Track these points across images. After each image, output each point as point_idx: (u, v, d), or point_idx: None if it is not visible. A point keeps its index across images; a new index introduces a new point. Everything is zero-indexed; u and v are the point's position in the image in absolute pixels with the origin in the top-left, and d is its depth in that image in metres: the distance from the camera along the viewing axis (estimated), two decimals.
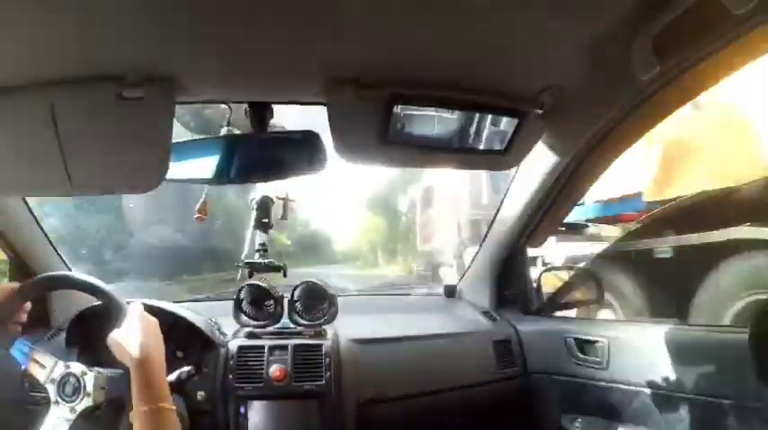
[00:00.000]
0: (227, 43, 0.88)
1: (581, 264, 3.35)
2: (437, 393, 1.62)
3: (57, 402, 1.13)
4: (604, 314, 3.03)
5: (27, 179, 1.10)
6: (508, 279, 1.95)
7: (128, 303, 1.18)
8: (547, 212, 1.65)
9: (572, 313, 1.82)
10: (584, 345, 1.58)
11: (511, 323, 1.83)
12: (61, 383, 1.15)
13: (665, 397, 1.33)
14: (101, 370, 1.18)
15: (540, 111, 1.13)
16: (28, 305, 1.19)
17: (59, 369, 1.16)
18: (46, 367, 1.17)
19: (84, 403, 1.14)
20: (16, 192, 1.44)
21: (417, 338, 1.70)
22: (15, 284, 1.17)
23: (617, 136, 1.29)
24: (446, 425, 1.68)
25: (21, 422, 1.35)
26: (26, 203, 1.61)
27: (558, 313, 1.86)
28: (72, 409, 1.13)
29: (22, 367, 1.17)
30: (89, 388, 1.15)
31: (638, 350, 1.44)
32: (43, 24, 0.79)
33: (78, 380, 1.15)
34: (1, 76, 0.93)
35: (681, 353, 1.32)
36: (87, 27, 0.81)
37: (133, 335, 1.07)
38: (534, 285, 1.91)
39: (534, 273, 1.96)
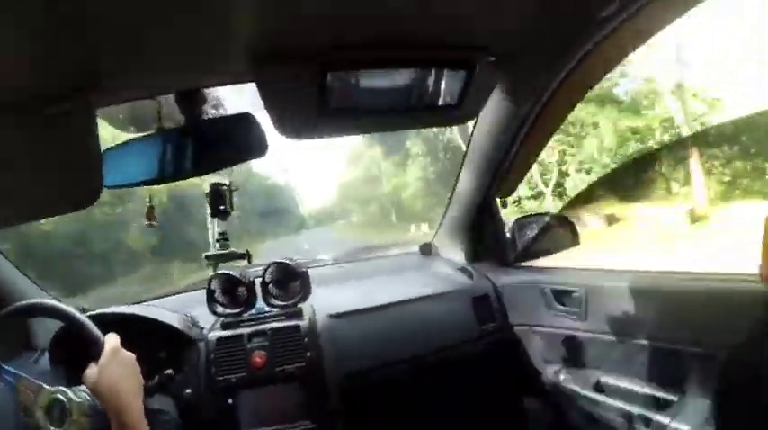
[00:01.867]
0: (140, 36, 0.81)
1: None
2: (421, 357, 1.63)
3: (45, 426, 1.11)
4: None
5: None
6: (482, 231, 1.93)
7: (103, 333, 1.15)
8: (514, 160, 1.61)
9: (550, 261, 1.79)
10: (562, 296, 1.58)
11: (488, 277, 1.83)
12: (48, 409, 1.12)
13: (643, 346, 1.33)
14: (87, 395, 1.14)
15: (492, 59, 1.06)
16: None
17: (45, 394, 1.13)
18: (33, 393, 1.14)
19: (72, 428, 1.12)
20: None
21: (395, 305, 1.70)
22: None
23: (579, 77, 1.24)
24: (432, 386, 1.70)
25: None
26: None
27: (535, 262, 1.83)
28: None
29: (16, 384, 1.15)
30: (74, 414, 1.12)
31: (616, 299, 1.42)
32: None
33: (64, 406, 1.12)
34: None
35: (657, 301, 1.32)
36: None
37: (106, 381, 1.04)
38: (509, 235, 1.87)
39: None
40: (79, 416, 1.12)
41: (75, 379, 1.20)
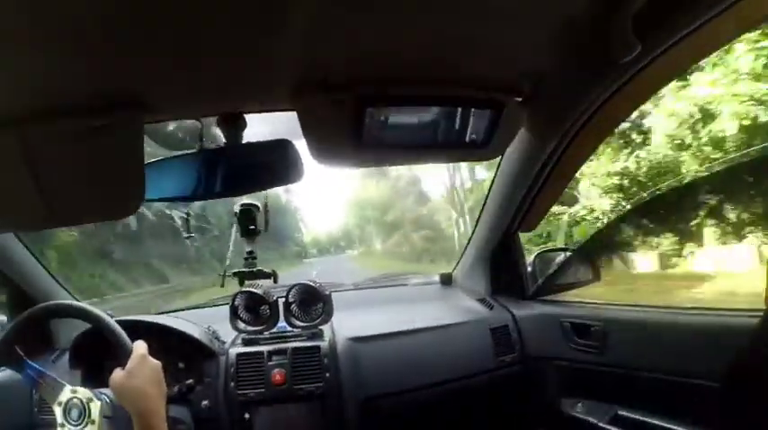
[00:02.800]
0: (190, 59, 0.86)
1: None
2: (438, 385, 1.64)
3: (63, 425, 1.13)
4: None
5: (6, 216, 1.09)
6: (503, 264, 1.94)
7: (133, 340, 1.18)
8: (536, 197, 1.64)
9: (570, 296, 1.80)
10: (581, 329, 1.58)
11: (508, 309, 1.83)
12: (67, 407, 1.14)
13: (662, 381, 1.32)
14: (107, 397, 1.18)
15: (519, 100, 1.11)
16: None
17: (66, 393, 1.15)
18: (54, 390, 1.17)
19: (89, 428, 1.15)
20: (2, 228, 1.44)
21: (415, 332, 1.71)
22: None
23: (601, 118, 1.26)
24: (449, 415, 1.69)
25: None
26: (17, 237, 1.63)
27: (555, 297, 1.84)
28: None
29: (32, 390, 1.19)
30: (94, 415, 1.14)
31: (634, 333, 1.43)
32: (6, 60, 0.78)
33: (84, 406, 1.15)
34: None
35: (676, 336, 1.31)
36: (49, 59, 0.79)
37: (135, 384, 1.07)
38: (529, 269, 1.90)
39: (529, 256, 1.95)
40: (98, 416, 1.14)
41: (94, 381, 1.25)
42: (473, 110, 1.06)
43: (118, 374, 1.08)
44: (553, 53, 1.01)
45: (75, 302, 1.31)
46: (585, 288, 1.82)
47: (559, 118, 1.26)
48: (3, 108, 0.90)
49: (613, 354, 1.47)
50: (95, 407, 1.14)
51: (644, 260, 7.58)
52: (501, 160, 1.61)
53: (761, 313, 1.08)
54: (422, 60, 0.95)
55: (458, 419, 1.71)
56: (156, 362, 1.14)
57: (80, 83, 0.87)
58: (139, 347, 1.13)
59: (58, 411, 1.15)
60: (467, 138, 1.10)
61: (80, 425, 1.13)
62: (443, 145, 1.10)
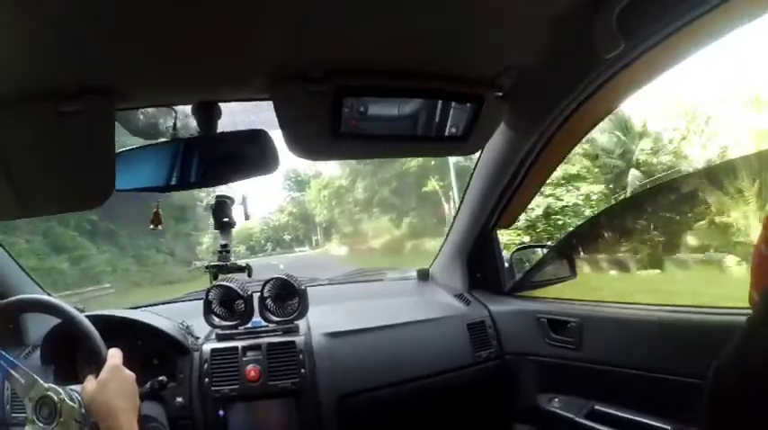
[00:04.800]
0: (164, 46, 0.84)
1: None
2: (415, 381, 1.63)
3: (33, 421, 1.11)
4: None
5: None
6: (480, 260, 1.95)
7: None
8: (515, 193, 1.64)
9: (547, 292, 1.81)
10: (557, 326, 1.60)
11: (485, 305, 1.84)
12: (38, 404, 1.12)
13: (637, 376, 1.34)
14: (79, 397, 1.15)
15: (499, 94, 1.11)
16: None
17: (39, 389, 1.12)
18: (26, 384, 1.13)
19: (59, 428, 1.12)
20: None
21: (391, 327, 1.71)
22: None
23: (582, 115, 1.28)
24: (426, 410, 1.69)
25: None
26: None
27: (532, 293, 1.85)
28: None
29: (4, 385, 1.15)
30: (65, 416, 1.12)
31: (610, 329, 1.45)
32: None
33: (56, 406, 1.12)
34: None
35: (652, 332, 1.33)
36: (18, 44, 0.77)
37: (105, 398, 1.04)
38: (507, 265, 1.91)
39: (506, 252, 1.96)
40: (68, 418, 1.11)
41: (66, 378, 1.22)
42: (453, 103, 1.06)
43: (89, 385, 1.05)
44: (536, 48, 1.01)
45: (47, 297, 1.28)
46: (562, 284, 1.84)
47: (540, 113, 1.27)
48: None
49: (589, 350, 1.49)
50: (67, 409, 1.12)
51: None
52: (480, 155, 1.61)
53: (737, 310, 1.11)
54: (402, 52, 0.95)
55: (435, 415, 1.71)
56: (130, 374, 1.11)
57: (50, 66, 0.85)
58: (114, 357, 1.10)
59: (28, 406, 1.12)
60: (446, 132, 1.10)
61: (50, 424, 1.11)
62: (423, 138, 1.10)
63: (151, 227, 1.41)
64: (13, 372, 1.14)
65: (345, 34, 0.87)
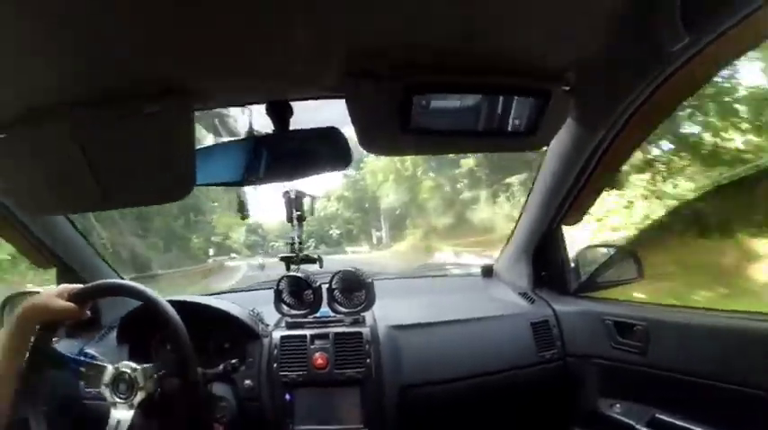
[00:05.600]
0: (238, 47, 0.89)
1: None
2: (476, 377, 1.64)
3: (114, 404, 1.21)
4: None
5: (62, 198, 1.15)
6: (545, 258, 1.92)
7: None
8: (582, 189, 1.61)
9: (612, 293, 1.77)
10: (624, 329, 1.55)
11: (549, 304, 1.81)
12: (115, 384, 1.22)
13: (703, 386, 1.29)
14: (155, 377, 1.25)
15: (566, 88, 1.09)
16: (86, 313, 1.27)
17: (110, 372, 1.23)
18: (97, 374, 1.24)
19: (140, 396, 1.21)
20: (53, 212, 1.55)
21: (455, 322, 1.72)
22: (68, 286, 1.24)
23: (649, 108, 1.23)
24: (485, 408, 1.69)
25: (81, 418, 1.46)
26: (69, 219, 1.74)
27: (598, 294, 1.81)
28: (130, 405, 1.20)
29: (80, 369, 1.26)
30: (140, 381, 1.22)
31: (679, 336, 1.39)
32: (58, 48, 0.82)
33: (130, 377, 1.22)
34: (25, 104, 0.97)
35: (722, 340, 1.28)
36: (101, 48, 0.83)
37: None
38: (572, 265, 1.87)
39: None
40: (145, 381, 1.22)
41: (139, 357, 1.31)
42: (520, 98, 1.06)
43: None
44: (600, 41, 1.00)
45: (131, 282, 1.37)
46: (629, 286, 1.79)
47: (607, 108, 1.25)
48: (56, 93, 0.95)
49: (655, 356, 1.44)
50: (140, 374, 1.22)
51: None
52: (546, 151, 1.59)
53: None
54: (469, 48, 0.96)
55: (494, 412, 1.71)
56: None
57: (131, 70, 0.90)
58: None
59: (106, 392, 1.22)
60: (513, 127, 1.10)
61: (130, 396, 1.21)
62: (490, 132, 1.10)
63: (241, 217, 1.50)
64: (82, 370, 1.25)
65: (416, 31, 0.89)
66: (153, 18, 0.76)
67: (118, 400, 1.21)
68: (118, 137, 1.00)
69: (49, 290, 1.23)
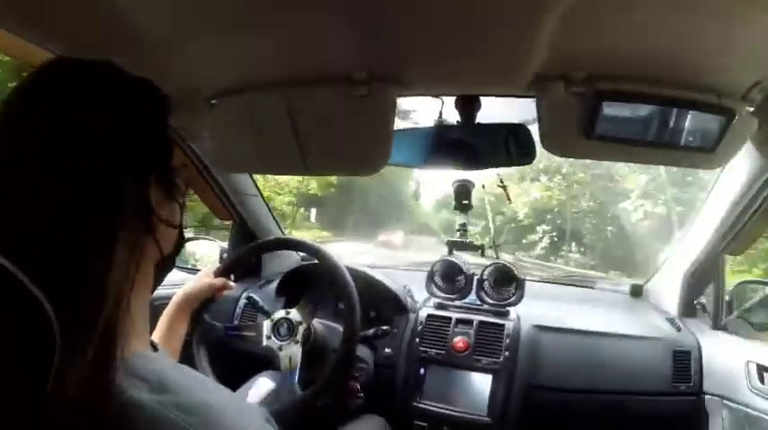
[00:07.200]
0: (443, 41, 0.96)
1: None
2: (606, 393, 1.63)
3: (280, 347, 1.38)
4: None
5: (266, 160, 1.30)
6: (699, 287, 1.85)
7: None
8: (752, 218, 1.53)
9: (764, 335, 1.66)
10: (765, 373, 1.46)
11: (695, 335, 1.74)
12: (276, 331, 1.40)
13: None
14: (310, 325, 1.41)
15: (750, 109, 1.09)
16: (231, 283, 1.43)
17: (267, 326, 1.41)
18: (256, 330, 1.43)
19: (301, 330, 1.39)
20: (257, 170, 1.76)
21: (597, 334, 1.71)
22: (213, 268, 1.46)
23: None
24: (605, 426, 1.68)
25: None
26: (252, 178, 1.97)
27: (747, 332, 1.70)
28: (295, 341, 1.38)
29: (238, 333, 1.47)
30: (297, 318, 1.39)
31: None
32: (278, 33, 0.95)
33: (287, 320, 1.40)
34: (243, 78, 1.13)
35: None
36: (318, 32, 0.94)
37: None
38: (727, 298, 1.77)
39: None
40: (304, 316, 1.39)
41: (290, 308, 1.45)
42: (703, 115, 1.07)
43: None
44: None
45: (307, 240, 1.54)
46: None
47: None
48: (273, 70, 1.10)
49: None
50: (301, 330, 1.38)
51: None
52: (721, 173, 1.55)
53: None
54: (659, 60, 0.98)
55: None
56: None
57: (345, 56, 1.02)
58: None
59: (270, 342, 1.39)
60: (693, 143, 1.11)
61: (294, 335, 1.37)
62: (668, 146, 1.11)
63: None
64: (242, 334, 1.46)
65: (608, 40, 0.93)
66: (371, 9, 0.86)
67: (282, 343, 1.38)
68: (326, 113, 1.13)
69: (199, 275, 1.41)
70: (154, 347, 0.64)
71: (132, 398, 0.49)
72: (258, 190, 2.05)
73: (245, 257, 1.69)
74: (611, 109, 1.05)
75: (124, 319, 0.52)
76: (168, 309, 1.24)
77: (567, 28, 0.88)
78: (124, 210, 0.53)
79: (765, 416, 1.42)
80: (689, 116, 1.08)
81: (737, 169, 1.45)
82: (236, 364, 1.58)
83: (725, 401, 1.57)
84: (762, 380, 1.46)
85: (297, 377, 1.36)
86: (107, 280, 0.50)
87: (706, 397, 1.62)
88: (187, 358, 1.34)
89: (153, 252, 0.62)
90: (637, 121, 1.09)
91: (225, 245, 2.14)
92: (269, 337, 1.40)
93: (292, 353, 1.37)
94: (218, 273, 1.42)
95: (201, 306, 1.34)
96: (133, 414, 0.48)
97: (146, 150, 0.59)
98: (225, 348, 1.55)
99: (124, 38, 0.96)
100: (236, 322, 1.78)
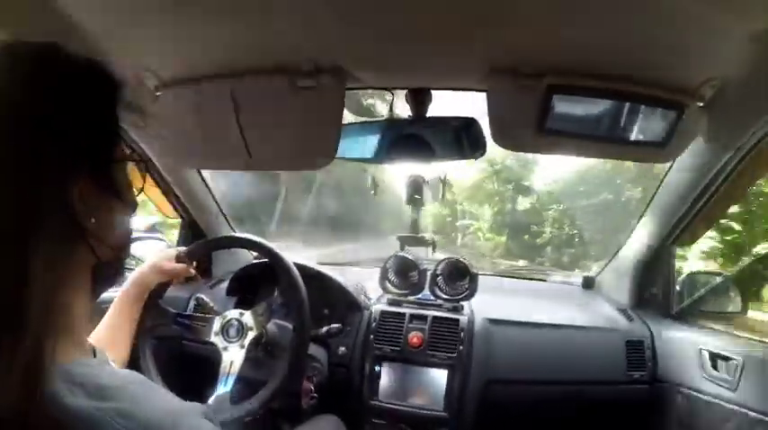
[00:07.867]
0: (393, 33, 0.94)
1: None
2: (561, 384, 1.65)
3: (225, 348, 1.32)
4: None
5: (211, 154, 1.27)
6: (650, 278, 1.87)
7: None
8: (701, 211, 1.57)
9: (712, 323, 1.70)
10: (717, 360, 1.48)
11: (647, 324, 1.76)
12: (224, 330, 1.33)
13: None
14: (262, 326, 1.35)
15: (700, 104, 1.09)
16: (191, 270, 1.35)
17: (218, 320, 1.35)
18: (205, 325, 1.36)
19: (249, 336, 1.32)
20: (202, 165, 1.70)
21: (550, 326, 1.73)
22: (177, 249, 1.36)
23: None
24: (563, 416, 1.70)
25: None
26: (200, 175, 1.88)
27: (698, 321, 1.74)
28: (241, 346, 1.31)
29: (188, 323, 1.38)
30: (249, 323, 1.33)
31: None
32: (223, 20, 0.91)
33: (238, 322, 1.33)
34: (188, 68, 1.09)
35: None
36: (263, 23, 0.91)
37: None
38: (677, 288, 1.81)
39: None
40: (255, 321, 1.32)
41: (243, 308, 1.39)
42: (654, 110, 1.08)
43: None
44: (738, 61, 0.98)
45: (259, 238, 1.47)
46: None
47: (739, 127, 1.21)
48: (220, 58, 1.05)
49: (746, 394, 1.37)
50: (248, 317, 1.33)
51: None
52: (670, 167, 1.56)
53: None
54: (610, 56, 0.98)
55: (570, 422, 1.71)
56: None
57: (292, 46, 0.99)
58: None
59: (217, 339, 1.33)
60: (643, 138, 1.12)
61: (240, 338, 1.32)
62: (620, 140, 1.12)
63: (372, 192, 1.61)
64: (191, 324, 1.37)
65: (561, 34, 0.92)
66: (321, 2, 0.84)
67: (229, 344, 1.32)
68: (271, 105, 1.09)
69: (162, 254, 1.32)
70: (94, 353, 0.59)
71: (69, 406, 0.46)
72: (208, 187, 1.96)
73: (214, 249, 1.69)
74: (563, 104, 1.05)
75: (56, 328, 0.48)
76: (116, 302, 1.16)
77: (518, 22, 0.87)
78: (41, 208, 0.47)
79: (718, 401, 1.45)
80: (640, 111, 1.08)
81: (687, 163, 1.47)
82: (180, 359, 1.56)
83: (679, 388, 1.60)
84: (715, 366, 1.49)
85: (232, 385, 1.28)
86: (23, 294, 0.45)
87: (660, 384, 1.66)
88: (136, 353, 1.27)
89: (87, 258, 0.55)
90: (589, 116, 1.08)
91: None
92: (217, 334, 1.34)
93: (234, 357, 1.30)
94: (181, 259, 1.32)
95: (155, 291, 1.28)
96: (71, 421, 0.46)
97: (79, 136, 0.51)
98: (170, 343, 1.51)
99: (62, 24, 0.89)
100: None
